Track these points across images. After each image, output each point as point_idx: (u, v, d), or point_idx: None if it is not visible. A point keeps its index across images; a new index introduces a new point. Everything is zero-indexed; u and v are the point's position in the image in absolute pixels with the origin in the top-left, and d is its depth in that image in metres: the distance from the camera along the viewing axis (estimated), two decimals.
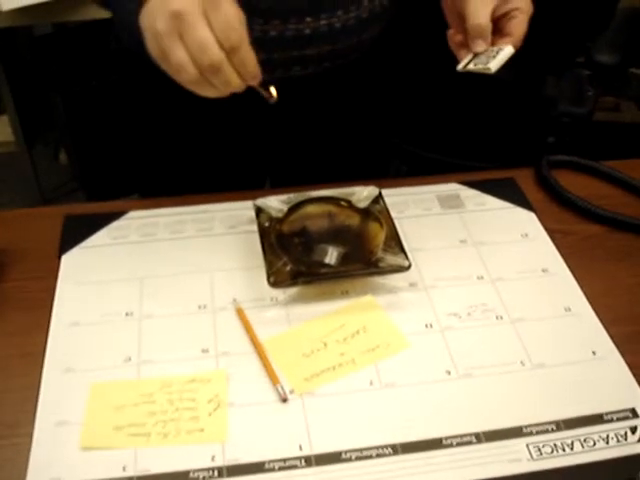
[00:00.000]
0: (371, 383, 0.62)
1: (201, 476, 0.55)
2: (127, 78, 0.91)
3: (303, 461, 0.56)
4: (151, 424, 0.58)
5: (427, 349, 0.65)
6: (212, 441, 0.58)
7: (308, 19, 0.76)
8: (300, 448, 0.57)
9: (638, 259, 0.76)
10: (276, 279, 0.67)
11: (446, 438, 0.58)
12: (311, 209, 0.75)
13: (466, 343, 0.66)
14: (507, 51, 0.68)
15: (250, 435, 0.58)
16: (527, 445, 0.58)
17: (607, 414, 0.60)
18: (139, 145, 0.98)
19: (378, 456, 0.57)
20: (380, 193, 0.76)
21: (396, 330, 0.67)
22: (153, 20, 0.57)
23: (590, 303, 0.70)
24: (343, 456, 0.57)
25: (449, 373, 0.63)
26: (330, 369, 0.63)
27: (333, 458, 0.57)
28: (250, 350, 0.65)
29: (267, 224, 0.73)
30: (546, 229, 0.79)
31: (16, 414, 0.59)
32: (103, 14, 0.89)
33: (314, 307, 0.69)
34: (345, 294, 0.71)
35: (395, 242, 0.71)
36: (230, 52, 0.56)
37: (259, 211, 0.74)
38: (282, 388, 0.61)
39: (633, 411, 0.60)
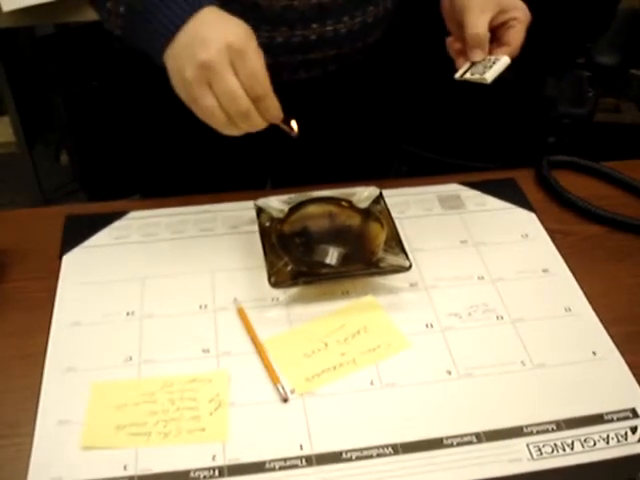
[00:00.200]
0: (372, 383, 0.62)
1: (202, 475, 0.55)
2: (128, 79, 0.91)
3: (304, 461, 0.56)
4: (152, 423, 0.58)
5: (428, 349, 0.65)
6: (213, 441, 0.58)
7: (314, 25, 0.76)
8: (301, 448, 0.57)
9: (638, 259, 0.76)
10: (277, 279, 0.68)
11: (447, 438, 0.58)
12: (312, 209, 0.75)
13: (467, 343, 0.66)
14: (503, 61, 0.70)
15: (251, 435, 0.58)
16: (527, 445, 0.58)
17: (607, 414, 0.60)
18: (140, 146, 0.98)
19: (379, 456, 0.57)
20: (381, 193, 0.77)
21: (397, 330, 0.67)
22: (182, 67, 0.59)
23: (590, 303, 0.70)
24: (344, 456, 0.57)
25: (450, 373, 0.63)
26: (331, 369, 0.63)
27: (334, 458, 0.57)
28: (251, 350, 0.65)
29: (268, 224, 0.73)
30: (546, 229, 0.79)
31: (17, 414, 0.59)
32: None
33: (315, 307, 0.69)
34: (346, 294, 0.71)
35: (396, 242, 0.71)
36: (256, 100, 0.60)
37: (260, 211, 0.75)
38: (283, 388, 0.61)
39: (633, 411, 0.61)
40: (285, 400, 0.61)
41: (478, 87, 0.71)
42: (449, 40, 0.74)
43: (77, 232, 0.77)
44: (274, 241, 0.71)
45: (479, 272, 0.74)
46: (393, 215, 0.74)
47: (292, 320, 0.68)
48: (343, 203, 0.76)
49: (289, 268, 0.68)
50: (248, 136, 0.64)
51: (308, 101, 0.87)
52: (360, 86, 0.91)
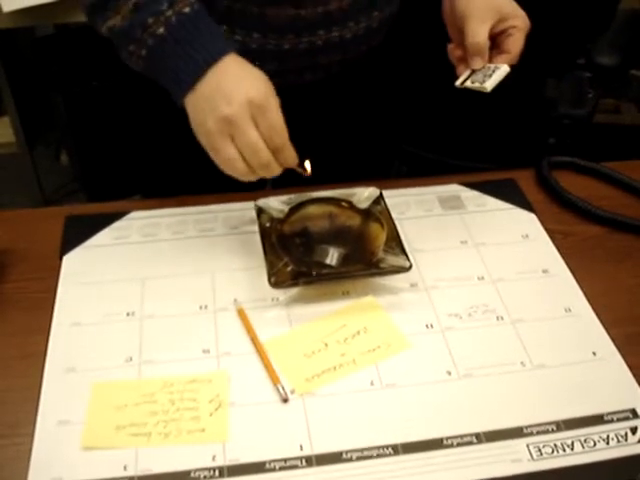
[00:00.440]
0: (372, 383, 0.62)
1: (202, 476, 0.55)
2: (129, 79, 0.91)
3: (304, 461, 0.56)
4: (152, 424, 0.58)
5: (428, 349, 0.66)
6: (213, 441, 0.58)
7: (321, 32, 0.77)
8: (301, 448, 0.57)
9: (638, 260, 0.76)
10: (277, 279, 0.68)
11: (447, 438, 0.58)
12: (312, 210, 0.75)
13: (467, 344, 0.66)
14: (503, 70, 0.71)
15: (251, 435, 0.58)
16: (527, 445, 0.58)
17: (607, 415, 0.60)
18: (141, 146, 0.98)
19: (379, 456, 0.57)
20: (381, 194, 0.77)
21: (397, 330, 0.67)
22: (204, 118, 0.61)
23: (590, 304, 0.70)
24: (344, 456, 0.57)
25: (450, 373, 0.63)
26: (331, 369, 0.63)
27: (334, 458, 0.57)
28: (251, 350, 0.65)
29: (268, 225, 0.73)
30: (546, 230, 0.79)
31: (17, 414, 0.60)
32: None
33: (315, 307, 0.69)
34: (346, 295, 0.71)
35: (396, 243, 0.71)
36: (275, 151, 0.62)
37: (260, 212, 0.75)
38: (283, 388, 0.61)
39: (633, 412, 0.61)
40: (285, 400, 0.61)
41: None
42: (450, 47, 0.75)
43: (77, 232, 0.77)
44: (274, 241, 0.71)
45: (479, 272, 0.74)
46: (393, 215, 0.74)
47: (292, 320, 0.68)
48: (343, 203, 0.76)
49: (289, 268, 0.68)
50: None
51: (311, 102, 0.88)
52: (362, 87, 0.91)
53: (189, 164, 0.93)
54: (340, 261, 0.70)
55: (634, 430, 0.59)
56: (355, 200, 0.76)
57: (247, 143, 0.61)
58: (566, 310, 0.70)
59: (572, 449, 0.58)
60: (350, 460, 0.57)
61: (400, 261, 0.69)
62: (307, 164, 0.68)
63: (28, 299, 0.70)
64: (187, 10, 0.62)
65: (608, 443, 0.58)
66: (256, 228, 0.74)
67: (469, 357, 0.65)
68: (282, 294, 0.70)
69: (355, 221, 0.75)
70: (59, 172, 2.12)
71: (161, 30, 0.62)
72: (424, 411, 0.60)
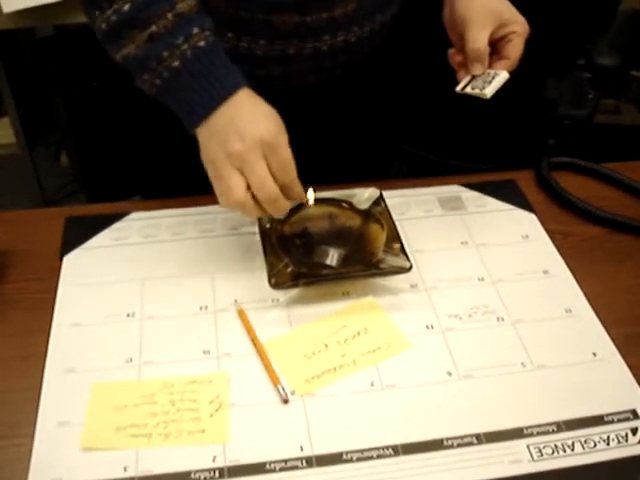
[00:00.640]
0: (372, 384, 0.62)
1: (202, 477, 0.55)
2: (129, 80, 0.91)
3: (304, 462, 0.56)
4: (152, 425, 0.58)
5: (428, 350, 0.65)
6: (213, 442, 0.58)
7: (326, 37, 0.78)
8: (301, 449, 0.57)
9: (638, 260, 0.76)
10: (277, 280, 0.68)
11: (447, 439, 0.58)
12: (312, 210, 0.75)
13: (467, 344, 0.66)
14: (502, 76, 0.72)
15: (251, 436, 0.58)
16: (528, 446, 0.58)
17: (608, 415, 0.60)
18: (141, 147, 0.98)
19: (379, 457, 0.57)
20: (381, 195, 0.77)
21: (397, 331, 0.67)
22: (215, 150, 0.62)
23: (590, 304, 0.70)
24: (344, 457, 0.57)
25: (450, 374, 0.63)
26: (331, 370, 0.63)
27: (334, 459, 0.57)
28: (251, 351, 0.65)
29: (268, 225, 0.73)
30: (547, 230, 0.79)
31: (17, 415, 0.59)
32: None
33: (315, 308, 0.69)
34: (346, 295, 0.71)
35: (396, 243, 0.71)
36: (282, 188, 0.63)
37: None
38: (283, 389, 0.61)
39: (634, 412, 0.61)
40: (285, 401, 0.61)
41: None
42: (450, 52, 0.76)
43: (77, 233, 0.77)
44: (274, 242, 0.71)
45: (479, 273, 0.74)
46: (393, 216, 0.74)
47: (292, 321, 0.68)
48: (343, 204, 0.76)
49: (289, 269, 0.68)
50: None
51: (313, 103, 0.88)
52: (363, 88, 0.92)
53: (189, 165, 0.93)
54: (340, 262, 0.70)
55: (634, 431, 0.59)
56: (355, 201, 0.76)
57: (257, 178, 0.61)
58: (566, 311, 0.70)
59: (572, 450, 0.58)
60: (350, 461, 0.56)
61: (400, 262, 0.69)
62: (310, 194, 0.69)
63: (28, 300, 0.70)
64: (202, 44, 0.62)
65: (608, 444, 0.58)
66: (256, 229, 0.74)
67: (469, 358, 0.65)
68: (282, 295, 0.70)
69: (355, 222, 0.75)
70: (59, 173, 2.12)
71: (176, 63, 0.62)
72: (424, 412, 0.60)
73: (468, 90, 0.73)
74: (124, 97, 0.95)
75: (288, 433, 0.58)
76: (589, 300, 0.71)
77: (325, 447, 0.57)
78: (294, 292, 0.70)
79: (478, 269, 0.74)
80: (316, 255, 0.71)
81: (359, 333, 0.67)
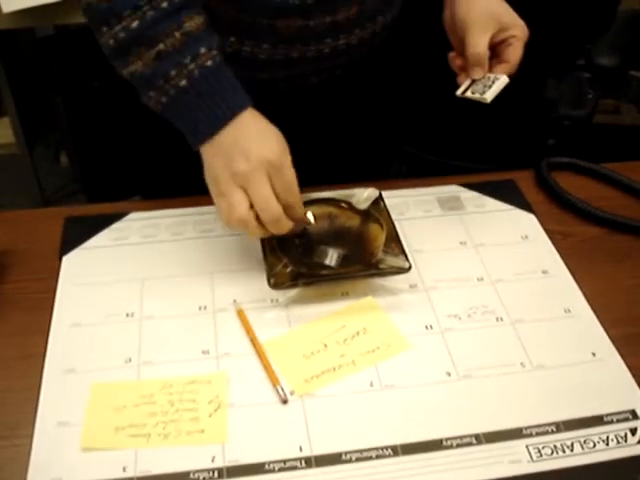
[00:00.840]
0: (371, 384, 0.62)
1: (201, 477, 0.55)
2: (129, 80, 0.91)
3: (303, 462, 0.56)
4: (151, 425, 0.58)
5: (427, 350, 0.66)
6: (212, 442, 0.58)
7: (328, 40, 0.78)
8: (300, 449, 0.57)
9: (637, 261, 0.76)
10: (276, 280, 0.68)
11: (446, 439, 0.58)
12: (311, 210, 0.75)
13: (466, 344, 0.66)
14: (502, 81, 0.72)
15: (250, 436, 0.58)
16: (527, 446, 0.58)
17: (607, 415, 0.60)
18: (141, 147, 0.98)
19: (378, 457, 0.57)
20: (380, 195, 0.77)
21: (396, 331, 0.67)
22: (220, 169, 0.63)
23: (590, 304, 0.70)
24: (343, 457, 0.57)
25: (449, 374, 0.63)
26: (330, 370, 0.63)
27: (333, 459, 0.57)
28: (250, 351, 0.65)
29: None
30: (546, 231, 0.79)
31: (17, 415, 0.60)
32: None
33: (314, 308, 0.69)
34: (345, 295, 0.71)
35: (395, 244, 0.71)
36: (285, 208, 0.64)
37: None
38: (282, 389, 0.61)
39: (633, 412, 0.61)
40: (284, 401, 0.61)
41: None
42: (451, 55, 0.77)
43: (77, 233, 0.77)
44: (274, 242, 0.71)
45: (479, 273, 0.74)
46: (393, 216, 0.74)
47: (291, 321, 0.68)
48: (342, 204, 0.76)
49: (289, 269, 0.68)
50: None
51: (313, 103, 0.88)
52: (363, 88, 0.92)
53: (189, 165, 0.93)
54: (339, 262, 0.70)
55: (634, 431, 0.59)
56: (354, 201, 0.76)
57: (262, 198, 0.62)
58: (565, 311, 0.70)
59: (572, 450, 0.58)
60: (349, 461, 0.57)
61: (399, 262, 0.69)
62: (309, 215, 0.71)
63: (28, 300, 0.70)
64: (209, 63, 0.62)
65: (608, 444, 0.58)
66: None
67: (469, 358, 0.65)
68: (281, 295, 0.70)
69: (354, 222, 0.75)
70: (59, 173, 2.12)
71: (183, 82, 0.62)
72: (424, 412, 0.60)
73: (468, 94, 0.74)
74: (124, 97, 0.95)
75: (287, 433, 0.58)
76: (588, 300, 0.71)
77: (324, 447, 0.57)
78: (293, 292, 0.70)
79: (477, 269, 0.74)
80: (315, 255, 0.71)
81: (358, 333, 0.67)
